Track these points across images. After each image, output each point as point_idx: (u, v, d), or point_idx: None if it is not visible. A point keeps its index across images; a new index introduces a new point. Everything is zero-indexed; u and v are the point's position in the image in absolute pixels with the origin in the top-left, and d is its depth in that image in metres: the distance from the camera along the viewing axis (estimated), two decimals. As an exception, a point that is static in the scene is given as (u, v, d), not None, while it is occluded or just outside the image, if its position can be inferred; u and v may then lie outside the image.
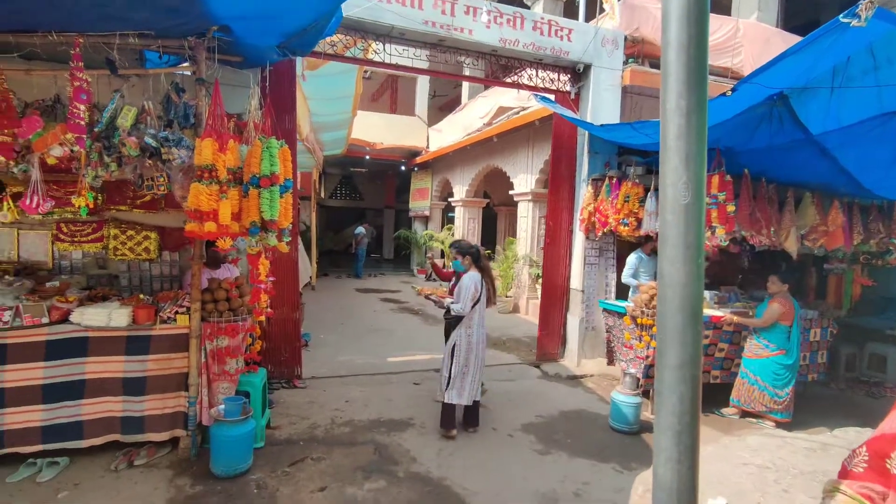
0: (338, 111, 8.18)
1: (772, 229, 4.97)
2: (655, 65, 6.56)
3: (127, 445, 3.29)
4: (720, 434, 4.46)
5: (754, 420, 4.75)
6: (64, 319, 3.12)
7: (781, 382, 4.58)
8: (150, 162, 3.06)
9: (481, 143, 11.02)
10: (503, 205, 13.96)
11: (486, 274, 4.16)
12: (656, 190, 5.29)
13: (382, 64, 5.32)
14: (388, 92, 18.16)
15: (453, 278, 4.75)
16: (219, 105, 3.03)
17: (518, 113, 9.60)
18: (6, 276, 3.60)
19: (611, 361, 5.43)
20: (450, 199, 13.79)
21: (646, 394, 4.75)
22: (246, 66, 4.08)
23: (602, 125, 4.76)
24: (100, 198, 4.03)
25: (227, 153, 2.96)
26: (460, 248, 4.24)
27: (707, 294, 5.29)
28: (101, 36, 2.82)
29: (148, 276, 4.31)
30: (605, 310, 5.44)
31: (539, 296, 9.64)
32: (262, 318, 3.60)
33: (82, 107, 2.66)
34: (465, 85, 13.90)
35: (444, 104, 18.32)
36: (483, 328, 4.18)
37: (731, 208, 4.20)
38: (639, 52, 6.57)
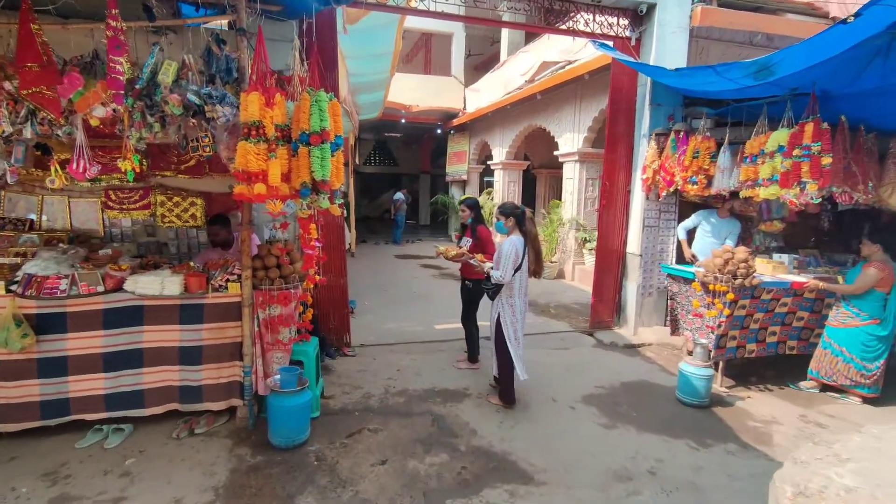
0: (376, 70, 7.82)
1: (869, 184, 4.41)
2: (725, 4, 5.86)
3: (187, 414, 3.26)
4: (801, 409, 4.11)
5: (836, 395, 4.36)
6: (118, 288, 3.04)
7: (872, 355, 4.14)
8: (193, 121, 2.87)
9: (523, 102, 10.45)
10: (543, 167, 13.40)
11: (529, 239, 3.76)
12: (731, 144, 4.77)
13: (425, 12, 4.92)
14: (423, 52, 17.49)
15: (468, 237, 4.41)
16: (263, 57, 2.78)
17: (563, 68, 8.97)
18: (60, 245, 3.57)
19: (674, 331, 5.08)
20: (489, 163, 13.34)
21: (716, 366, 4.41)
22: (286, 17, 3.81)
23: (676, 69, 4.24)
24: (144, 163, 3.93)
25: (275, 108, 2.72)
26: (504, 208, 3.85)
27: (785, 258, 4.82)
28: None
29: (196, 243, 4.25)
30: (669, 275, 5.06)
31: (585, 261, 9.33)
32: (313, 285, 3.45)
33: (121, 59, 2.46)
34: (505, 41, 13.15)
35: (479, 63, 17.53)
36: (526, 298, 3.86)
37: (826, 160, 3.68)
38: (704, -10, 5.86)
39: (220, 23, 3.41)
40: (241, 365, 3.25)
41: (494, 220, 3.97)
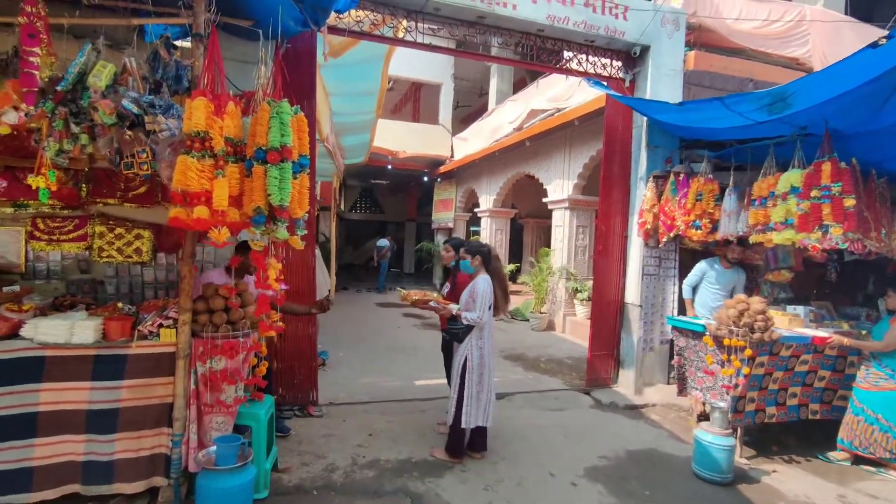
0: (361, 110, 7.59)
1: (882, 231, 4.10)
2: (715, 52, 5.82)
3: (90, 499, 2.56)
4: (836, 486, 3.54)
5: (873, 468, 3.81)
6: (14, 334, 2.44)
7: (912, 422, 3.65)
8: (129, 133, 2.40)
9: (511, 149, 10.34)
10: (530, 216, 13.21)
11: (496, 277, 3.62)
12: (735, 187, 4.47)
13: (414, 44, 4.67)
14: (411, 102, 17.72)
15: (448, 283, 4.14)
16: (217, 59, 2.38)
17: (552, 115, 8.90)
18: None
19: (682, 390, 4.54)
20: (476, 210, 13.09)
21: (734, 432, 3.86)
22: (259, 35, 3.47)
23: (681, 104, 3.99)
24: (84, 188, 3.44)
25: (226, 118, 2.29)
26: (469, 247, 3.68)
27: (800, 310, 4.41)
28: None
29: (139, 282, 3.66)
30: (675, 328, 4.59)
31: (577, 312, 8.84)
32: (271, 333, 2.87)
33: (35, 50, 2.03)
34: (493, 90, 13.31)
35: (467, 115, 17.76)
36: (492, 339, 3.67)
37: (849, 202, 3.36)
38: (695, 39, 5.82)
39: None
40: (169, 432, 2.61)
41: (460, 258, 3.75)
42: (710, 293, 4.79)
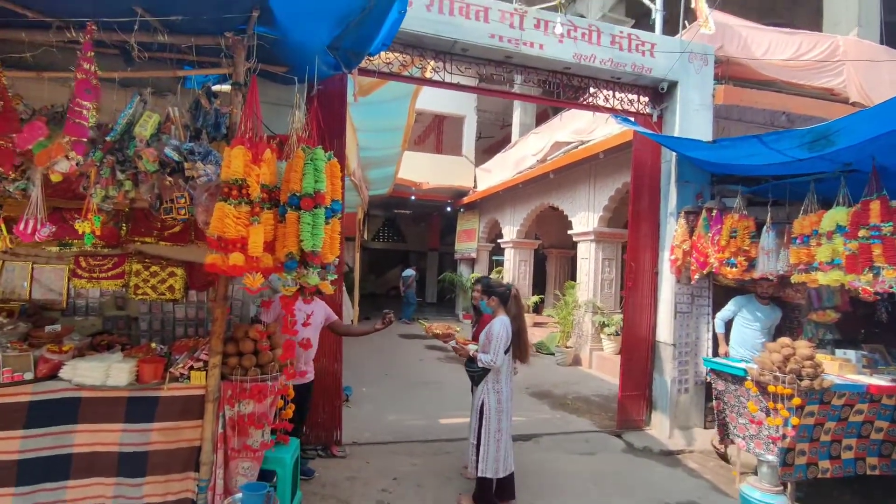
0: (387, 145, 7.74)
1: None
2: (745, 86, 5.75)
3: (115, 544, 2.53)
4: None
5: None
6: (54, 375, 2.48)
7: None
8: (170, 179, 2.48)
9: (535, 181, 10.35)
10: (554, 247, 13.07)
11: (516, 321, 3.43)
12: (774, 223, 4.33)
13: (442, 83, 4.76)
14: (434, 133, 18.03)
15: (473, 319, 4.03)
16: (255, 111, 2.45)
17: (576, 147, 8.90)
18: None
19: (723, 437, 4.29)
20: (499, 241, 13.05)
21: (783, 487, 3.60)
22: (293, 80, 3.59)
23: (714, 141, 3.91)
24: (124, 228, 3.54)
25: (262, 166, 2.33)
26: (487, 286, 3.56)
27: (851, 355, 4.16)
28: (120, 32, 2.31)
29: (171, 318, 3.70)
30: (712, 370, 4.38)
31: (604, 347, 8.59)
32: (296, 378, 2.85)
33: (87, 104, 2.12)
34: (516, 123, 13.45)
35: (489, 146, 17.96)
36: (511, 382, 3.54)
37: (901, 243, 3.18)
38: (723, 72, 5.77)
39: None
40: (195, 477, 2.58)
41: (477, 298, 3.70)
42: (749, 331, 4.60)
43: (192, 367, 2.61)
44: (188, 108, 2.65)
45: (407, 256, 20.72)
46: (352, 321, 10.86)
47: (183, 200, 2.51)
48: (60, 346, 2.61)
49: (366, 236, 18.30)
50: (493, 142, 18.09)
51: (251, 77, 2.59)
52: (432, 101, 14.04)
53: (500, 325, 3.33)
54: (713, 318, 5.07)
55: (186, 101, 2.70)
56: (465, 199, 14.54)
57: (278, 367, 2.82)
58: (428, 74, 4.72)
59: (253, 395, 2.67)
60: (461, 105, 14.98)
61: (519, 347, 3.45)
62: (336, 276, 2.63)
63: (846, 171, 3.61)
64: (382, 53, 4.44)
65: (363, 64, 4.42)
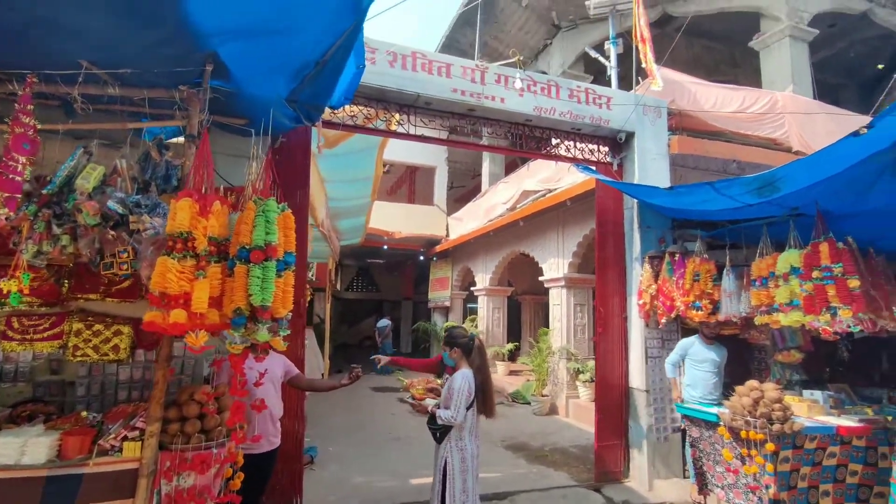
0: (356, 195, 7.75)
1: (894, 309, 3.98)
2: (696, 136, 6.08)
3: None
4: None
5: (925, 580, 3.37)
6: (-38, 453, 2.20)
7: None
8: (112, 233, 2.35)
9: (505, 229, 10.48)
10: (527, 293, 13.12)
11: (480, 373, 3.27)
12: (733, 267, 4.43)
13: (407, 135, 4.84)
14: (407, 184, 18.30)
15: (437, 372, 3.83)
16: (207, 159, 2.38)
17: (544, 195, 9.13)
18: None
19: (702, 488, 4.16)
20: (472, 289, 13.01)
21: (766, 541, 3.46)
22: (253, 133, 3.58)
23: (671, 188, 4.05)
24: (66, 284, 3.33)
25: (211, 217, 2.24)
26: (450, 336, 3.41)
27: (819, 395, 4.16)
28: (63, 84, 2.25)
29: (112, 381, 3.43)
30: (685, 416, 4.30)
31: (580, 394, 8.43)
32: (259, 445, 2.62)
33: (22, 159, 2.02)
34: (486, 173, 13.80)
35: (461, 195, 18.31)
36: (477, 439, 3.32)
37: (853, 283, 3.27)
38: (677, 124, 6.12)
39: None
40: (124, 567, 2.28)
41: (441, 350, 3.54)
42: (699, 372, 4.53)
43: (125, 438, 2.37)
44: (138, 160, 2.56)
45: (381, 306, 20.40)
46: (322, 375, 10.43)
47: (126, 255, 2.38)
48: (-26, 419, 2.34)
49: (339, 286, 18.00)
50: (464, 191, 18.46)
51: (204, 129, 2.54)
52: (404, 152, 14.35)
53: (462, 379, 3.16)
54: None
55: (137, 154, 2.62)
56: (438, 248, 14.58)
57: (226, 433, 2.60)
58: (393, 127, 4.79)
59: (194, 466, 2.43)
60: (432, 157, 15.35)
61: (484, 402, 3.26)
62: (289, 332, 2.48)
63: (794, 216, 3.76)
64: (346, 107, 4.50)
65: (327, 117, 4.48)
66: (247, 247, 2.26)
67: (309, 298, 8.71)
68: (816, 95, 8.38)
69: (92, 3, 1.79)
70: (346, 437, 6.66)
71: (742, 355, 5.18)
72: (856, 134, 2.47)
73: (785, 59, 8.38)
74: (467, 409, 3.16)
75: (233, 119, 3.23)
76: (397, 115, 4.77)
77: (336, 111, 4.41)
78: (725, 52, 11.47)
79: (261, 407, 2.72)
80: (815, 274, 3.41)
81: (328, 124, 4.52)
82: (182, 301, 2.12)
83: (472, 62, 4.82)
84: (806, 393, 4.27)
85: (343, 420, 7.71)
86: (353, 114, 4.60)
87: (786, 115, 6.93)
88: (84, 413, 2.65)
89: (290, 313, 2.47)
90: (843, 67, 11.28)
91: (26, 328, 3.23)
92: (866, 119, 3.66)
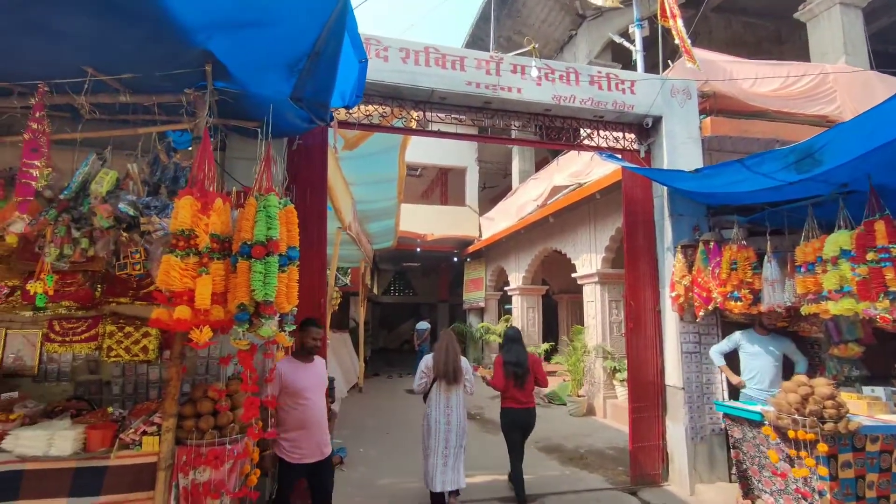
0: (383, 197, 7.81)
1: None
2: (734, 117, 5.70)
3: None
4: None
5: None
6: (-4, 446, 2.33)
7: None
8: (125, 235, 2.43)
9: (536, 226, 10.28)
10: (564, 292, 12.79)
11: (438, 353, 4.14)
12: (775, 252, 4.11)
13: (424, 132, 4.81)
14: (439, 187, 18.35)
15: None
16: (208, 161, 2.43)
17: (574, 190, 8.87)
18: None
19: (747, 493, 3.86)
20: (506, 289, 12.83)
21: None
22: (259, 133, 3.64)
23: (696, 170, 3.79)
24: (99, 289, 3.50)
25: (212, 215, 2.27)
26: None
27: (881, 392, 3.78)
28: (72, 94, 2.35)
29: (144, 381, 3.57)
30: (726, 415, 4.02)
31: (617, 394, 8.10)
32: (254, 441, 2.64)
33: (36, 163, 2.12)
34: (515, 171, 13.60)
35: (494, 196, 18.15)
36: (447, 409, 4.08)
37: (914, 265, 2.94)
38: (710, 106, 5.76)
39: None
40: (143, 559, 2.34)
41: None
42: (757, 366, 4.31)
43: (144, 433, 2.44)
44: (147, 163, 2.65)
45: (418, 309, 20.52)
46: (357, 379, 10.57)
47: (137, 255, 2.46)
48: (9, 414, 2.47)
49: (376, 290, 18.25)
50: (497, 191, 18.28)
51: (221, 132, 2.60)
52: (435, 154, 14.44)
53: (422, 362, 4.16)
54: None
55: (149, 158, 2.71)
56: (471, 249, 14.49)
57: (239, 429, 2.63)
58: (413, 125, 4.77)
59: (209, 461, 2.47)
60: (463, 157, 15.32)
61: (445, 375, 4.06)
62: (294, 327, 2.48)
63: (844, 193, 3.43)
64: (361, 106, 4.53)
65: (343, 117, 4.52)
66: (248, 242, 2.27)
67: (339, 301, 8.82)
68: (874, 67, 7.70)
69: (70, 2, 1.85)
70: (377, 440, 6.68)
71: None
72: (901, 93, 2.21)
73: (836, 29, 7.73)
74: (430, 384, 4.11)
75: (245, 122, 3.29)
76: (414, 113, 4.74)
77: (351, 111, 4.43)
78: (769, 28, 10.77)
79: (272, 403, 2.74)
80: (869, 256, 3.09)
81: (344, 125, 4.55)
82: (186, 298, 2.16)
83: (487, 54, 4.73)
84: (866, 390, 3.89)
85: (375, 423, 7.74)
86: (368, 113, 4.61)
87: (838, 89, 6.39)
88: (110, 409, 2.76)
89: (296, 308, 2.47)
90: (905, 36, 10.34)
91: (66, 330, 3.42)
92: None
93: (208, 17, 1.93)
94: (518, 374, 4.37)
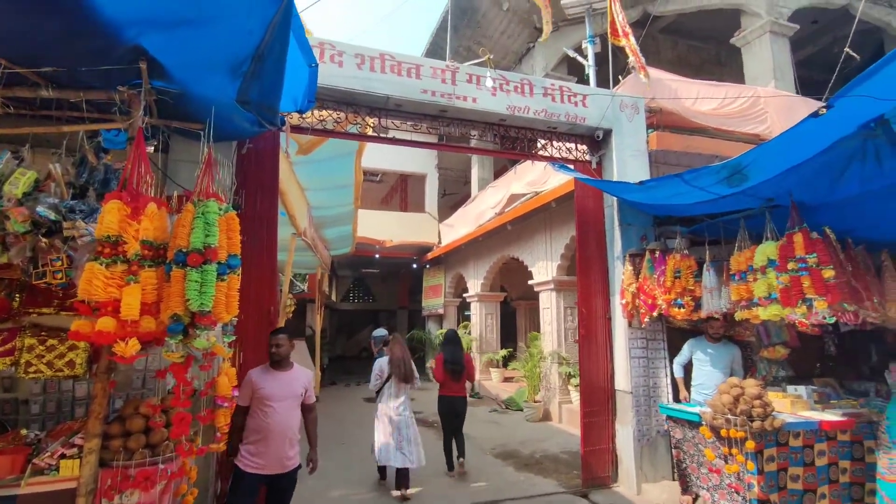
0: (339, 202, 7.67)
1: (875, 300, 3.87)
2: (678, 133, 6.00)
3: None
4: None
5: (921, 582, 3.22)
6: None
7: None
8: (45, 241, 2.25)
9: (495, 233, 10.40)
10: (522, 299, 13.00)
11: (392, 355, 4.98)
12: (713, 262, 4.32)
13: (380, 139, 4.77)
14: (399, 193, 18.26)
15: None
16: (141, 163, 2.29)
17: (531, 198, 9.05)
18: None
19: (685, 489, 4.02)
20: (464, 296, 12.88)
21: (753, 545, 3.32)
22: (202, 135, 3.49)
23: (641, 182, 3.95)
24: (17, 298, 3.23)
25: (144, 220, 2.15)
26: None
27: (802, 390, 4.04)
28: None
29: (69, 398, 3.31)
30: (669, 417, 4.18)
31: (572, 399, 8.27)
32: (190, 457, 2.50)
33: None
34: (475, 178, 13.74)
35: (455, 203, 18.24)
36: (394, 401, 4.93)
37: (828, 273, 3.17)
38: (657, 122, 6.03)
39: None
40: None
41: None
42: (704, 373, 4.49)
43: (63, 456, 2.26)
44: (73, 164, 2.47)
45: (377, 316, 20.27)
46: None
47: (59, 263, 2.28)
48: None
49: (334, 297, 17.88)
50: (457, 198, 18.37)
51: (164, 134, 2.47)
52: (395, 160, 14.39)
53: (376, 363, 5.01)
54: (670, 361, 4.95)
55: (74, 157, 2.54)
56: (430, 255, 14.48)
57: (172, 447, 2.48)
58: (368, 131, 4.71)
59: (138, 483, 2.31)
60: (423, 164, 15.33)
61: (398, 376, 4.89)
62: (234, 338, 2.38)
63: (770, 207, 3.66)
64: (315, 111, 4.44)
65: (296, 121, 4.41)
66: (184, 250, 2.16)
67: (293, 308, 8.58)
68: (800, 91, 8.32)
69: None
70: (331, 450, 6.50)
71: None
72: (815, 115, 2.38)
73: (766, 55, 8.34)
74: (384, 383, 4.93)
75: (188, 124, 3.14)
76: (370, 119, 4.69)
77: (304, 116, 4.34)
78: (710, 51, 11.47)
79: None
80: (790, 265, 3.30)
81: (297, 129, 4.44)
82: (111, 308, 2.02)
83: (443, 63, 4.76)
84: (790, 389, 4.15)
85: (330, 433, 7.55)
86: (322, 118, 4.52)
87: (768, 111, 6.86)
88: (24, 431, 2.53)
89: (236, 318, 2.37)
90: (828, 64, 11.22)
91: (-25, 345, 3.12)
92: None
93: (137, 13, 1.83)
94: (455, 370, 5.39)
